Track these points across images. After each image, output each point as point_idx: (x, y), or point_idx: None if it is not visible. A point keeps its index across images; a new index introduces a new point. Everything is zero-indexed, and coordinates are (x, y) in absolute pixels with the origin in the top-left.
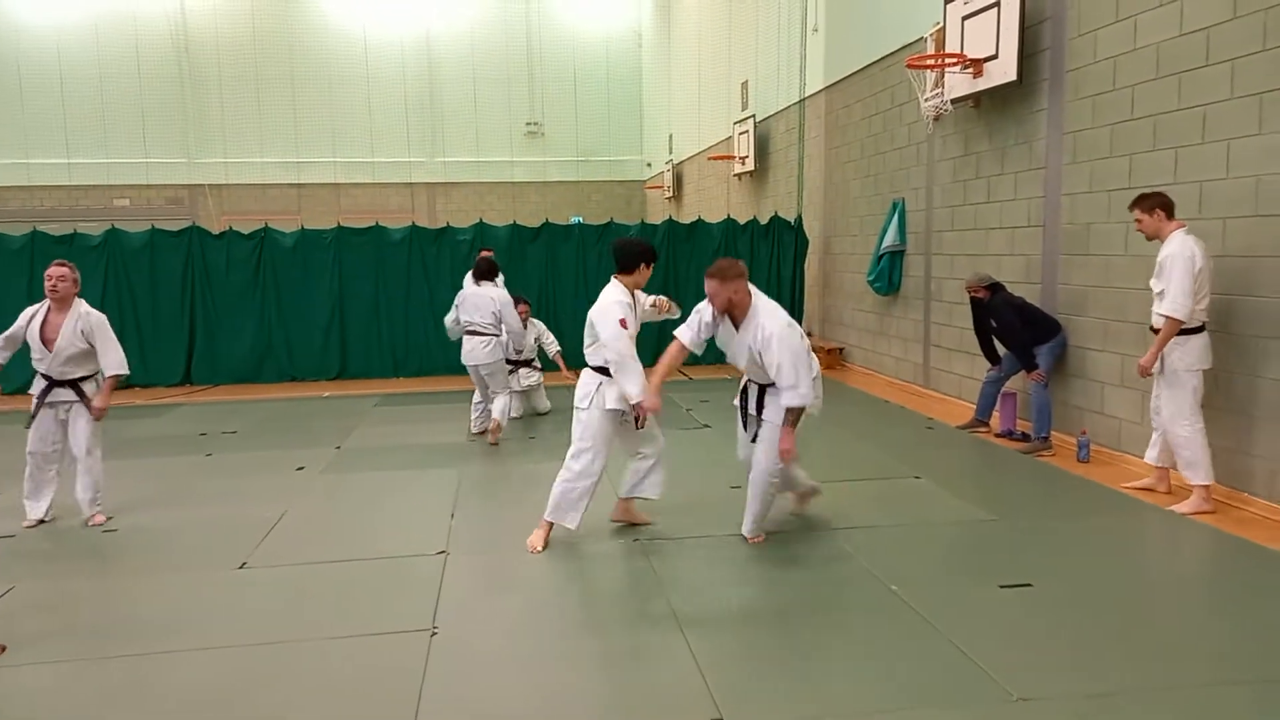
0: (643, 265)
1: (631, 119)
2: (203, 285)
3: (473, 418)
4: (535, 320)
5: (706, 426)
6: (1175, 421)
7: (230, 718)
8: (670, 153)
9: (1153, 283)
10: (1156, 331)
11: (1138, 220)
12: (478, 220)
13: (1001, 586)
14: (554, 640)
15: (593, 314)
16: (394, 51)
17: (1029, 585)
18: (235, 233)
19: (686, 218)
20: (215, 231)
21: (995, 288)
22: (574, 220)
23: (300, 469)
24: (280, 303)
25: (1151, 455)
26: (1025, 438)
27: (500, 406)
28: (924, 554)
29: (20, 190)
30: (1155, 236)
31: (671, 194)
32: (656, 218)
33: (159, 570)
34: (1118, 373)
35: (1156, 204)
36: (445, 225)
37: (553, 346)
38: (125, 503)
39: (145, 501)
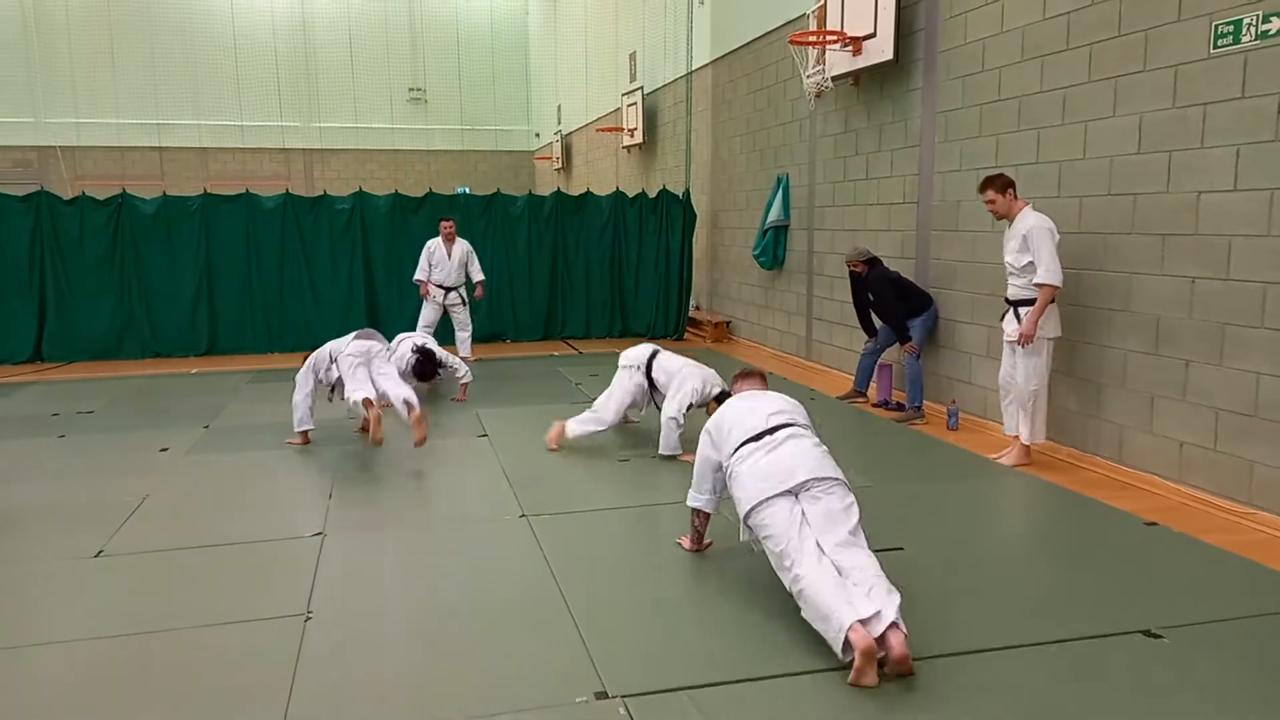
0: None
1: (519, 88)
2: (53, 255)
3: None
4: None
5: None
6: (1030, 382)
7: (90, 716)
8: (559, 123)
9: (1010, 258)
10: (1013, 303)
11: (990, 201)
12: (358, 189)
13: (876, 551)
14: (435, 619)
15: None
16: (265, 7)
17: (901, 549)
18: (89, 198)
19: (576, 189)
20: (67, 197)
21: (873, 262)
22: (460, 190)
23: (164, 450)
24: (141, 274)
25: (1010, 427)
26: (900, 407)
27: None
28: None
29: None
30: (1006, 215)
31: (561, 165)
32: (546, 189)
33: (4, 560)
34: (984, 344)
35: (1008, 184)
36: (322, 193)
37: None
38: None
39: None
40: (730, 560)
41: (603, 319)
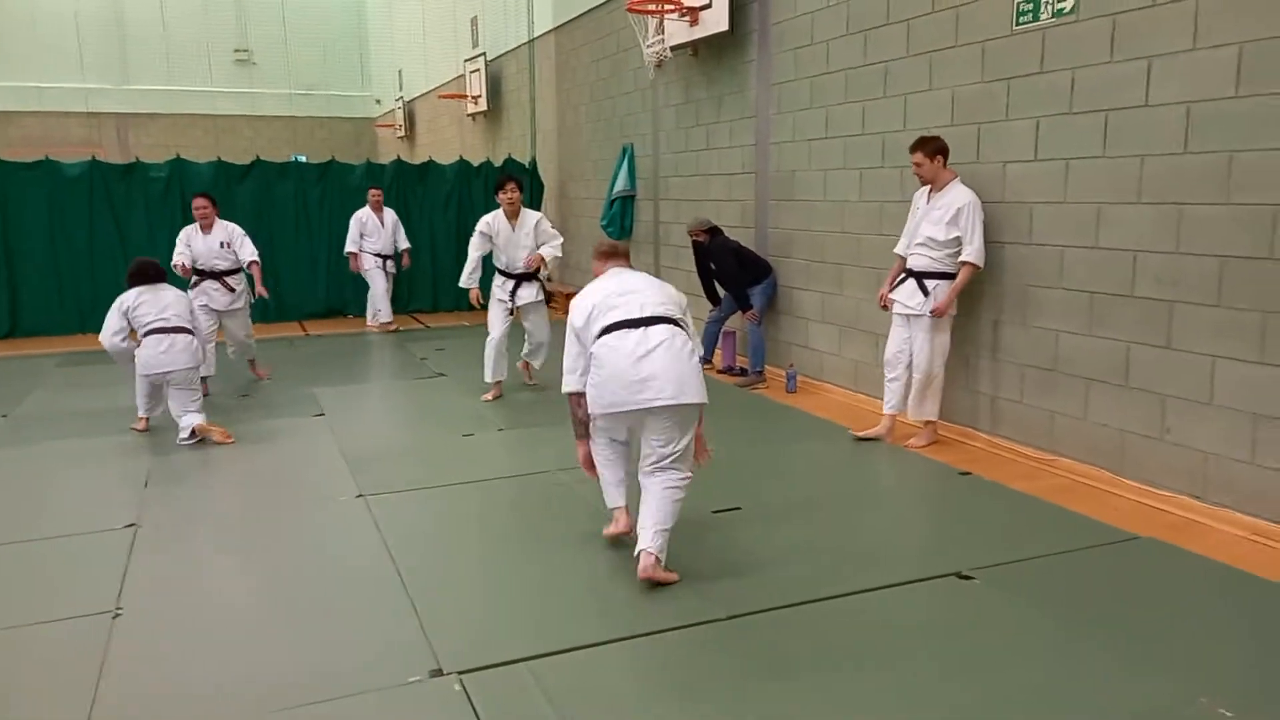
0: None
1: (355, 50)
2: None
3: None
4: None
5: (441, 375)
6: (935, 362)
7: None
8: (400, 90)
9: (932, 229)
10: (918, 274)
11: (917, 164)
12: (175, 155)
13: (714, 511)
14: (260, 609)
15: None
16: None
17: (739, 508)
18: None
19: (420, 158)
20: None
21: (714, 232)
22: (294, 158)
23: None
24: None
25: (892, 405)
26: (743, 372)
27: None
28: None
29: None
30: (931, 181)
31: (404, 133)
32: (388, 157)
33: None
34: (819, 309)
35: (940, 149)
36: (135, 160)
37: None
38: None
39: None
40: (568, 524)
41: (450, 292)
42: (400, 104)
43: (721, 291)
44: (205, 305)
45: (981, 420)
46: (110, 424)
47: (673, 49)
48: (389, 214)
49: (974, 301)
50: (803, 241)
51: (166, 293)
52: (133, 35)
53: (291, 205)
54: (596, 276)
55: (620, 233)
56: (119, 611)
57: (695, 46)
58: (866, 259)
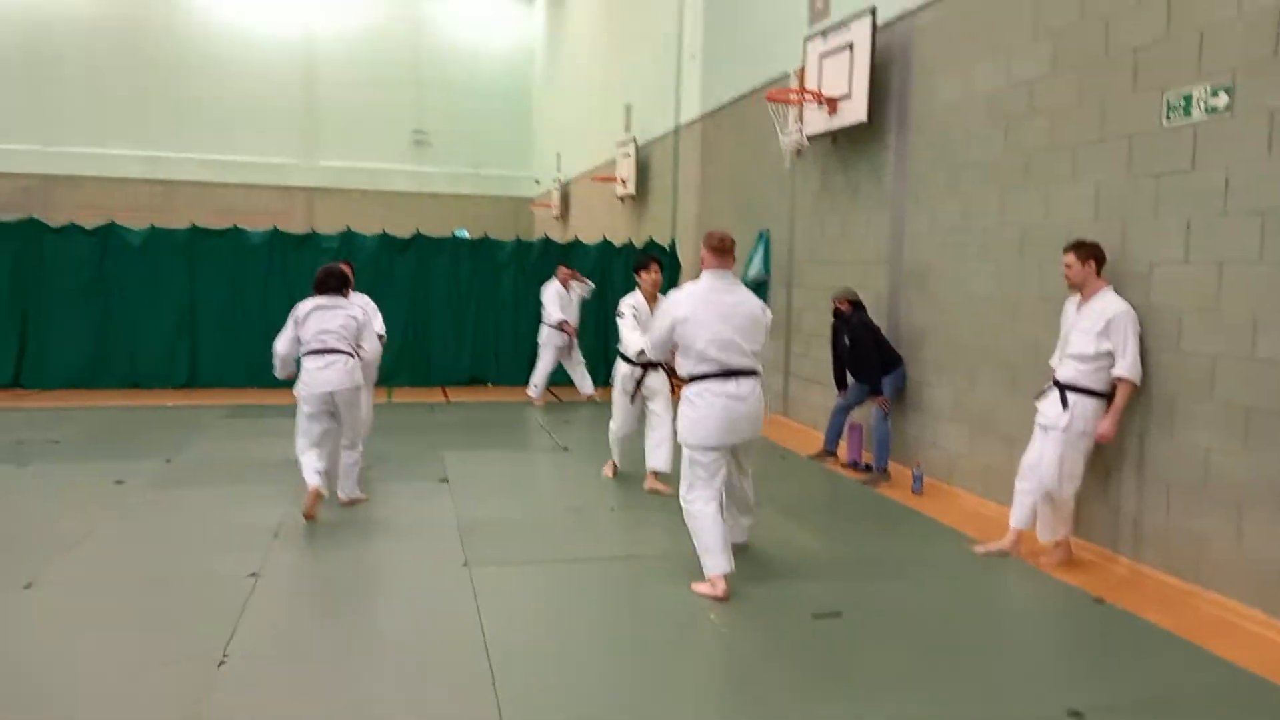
0: None
1: (522, 135)
2: (37, 282)
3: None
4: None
5: (565, 449)
6: (1062, 484)
7: None
8: (559, 171)
9: (1082, 341)
10: (1064, 386)
11: (1067, 265)
12: (345, 227)
13: (814, 616)
14: (347, 669)
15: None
16: (273, 48)
17: (839, 615)
18: (76, 227)
19: (572, 237)
20: (54, 226)
21: (858, 305)
22: (458, 232)
23: (119, 483)
24: (124, 304)
25: (1019, 518)
26: (869, 469)
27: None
28: (749, 583)
29: None
30: (1078, 287)
31: (559, 213)
32: (543, 235)
33: None
34: (950, 407)
35: (1093, 254)
36: (310, 231)
37: None
38: None
39: None
40: (660, 615)
41: (586, 368)
42: (557, 185)
43: (849, 379)
44: None
45: (1122, 542)
46: (258, 475)
47: (810, 138)
48: (575, 289)
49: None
50: (935, 335)
51: (338, 312)
52: (323, 116)
53: (445, 278)
54: (703, 266)
55: None
56: (225, 659)
57: (834, 135)
58: (1001, 355)
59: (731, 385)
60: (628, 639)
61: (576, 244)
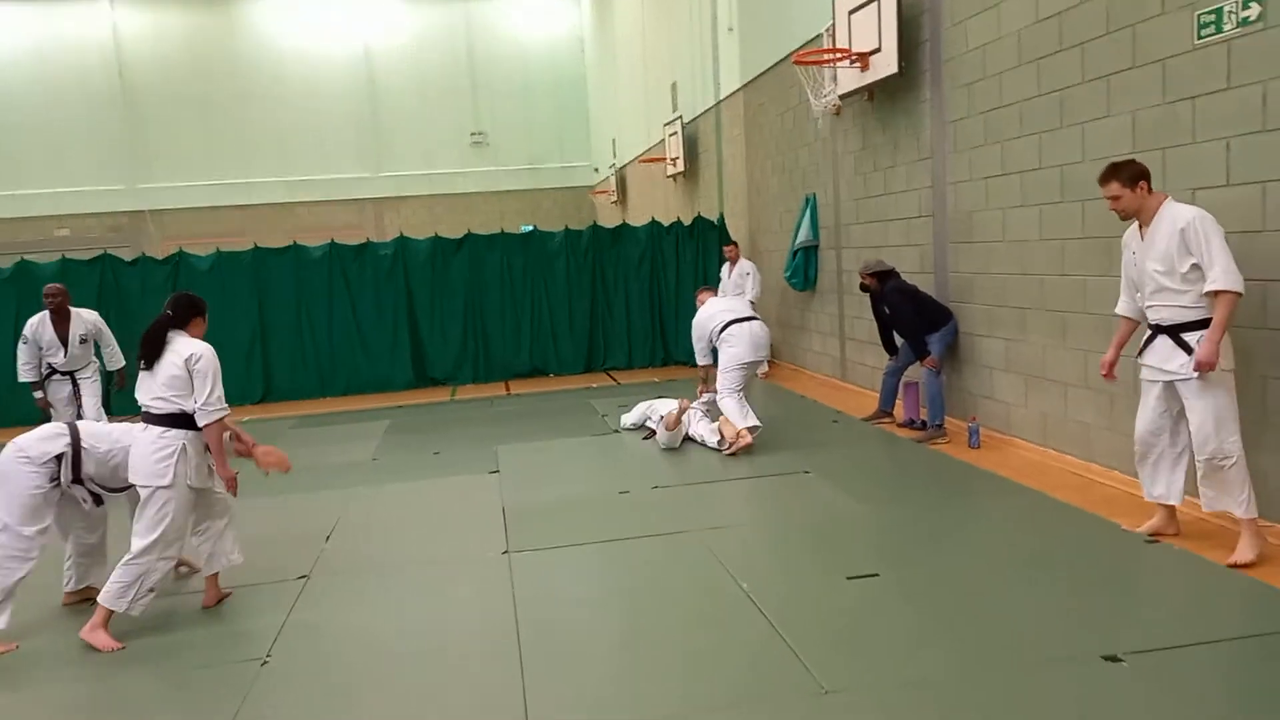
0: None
1: (578, 125)
2: (116, 313)
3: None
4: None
5: (616, 432)
6: (1223, 435)
7: None
8: (614, 157)
9: (1156, 266)
10: (1166, 329)
11: (1113, 198)
12: (399, 234)
13: (849, 578)
14: (384, 664)
15: None
16: (335, 68)
17: (876, 575)
18: (149, 259)
19: (634, 221)
20: (160, 258)
21: (886, 275)
22: (525, 228)
23: None
24: None
25: (1158, 490)
26: (924, 425)
27: None
28: (786, 549)
29: None
30: (1136, 214)
31: (617, 198)
32: (608, 223)
33: None
34: (1003, 358)
35: (1140, 174)
36: (366, 240)
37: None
38: None
39: None
40: (693, 590)
41: (644, 349)
42: (614, 170)
43: (899, 340)
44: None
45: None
46: (310, 481)
47: (844, 96)
48: (741, 265)
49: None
50: (983, 285)
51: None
52: (385, 128)
53: (498, 273)
54: (700, 303)
55: (805, 283)
56: (267, 659)
57: (870, 91)
58: (1050, 302)
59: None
60: (656, 612)
61: (624, 227)
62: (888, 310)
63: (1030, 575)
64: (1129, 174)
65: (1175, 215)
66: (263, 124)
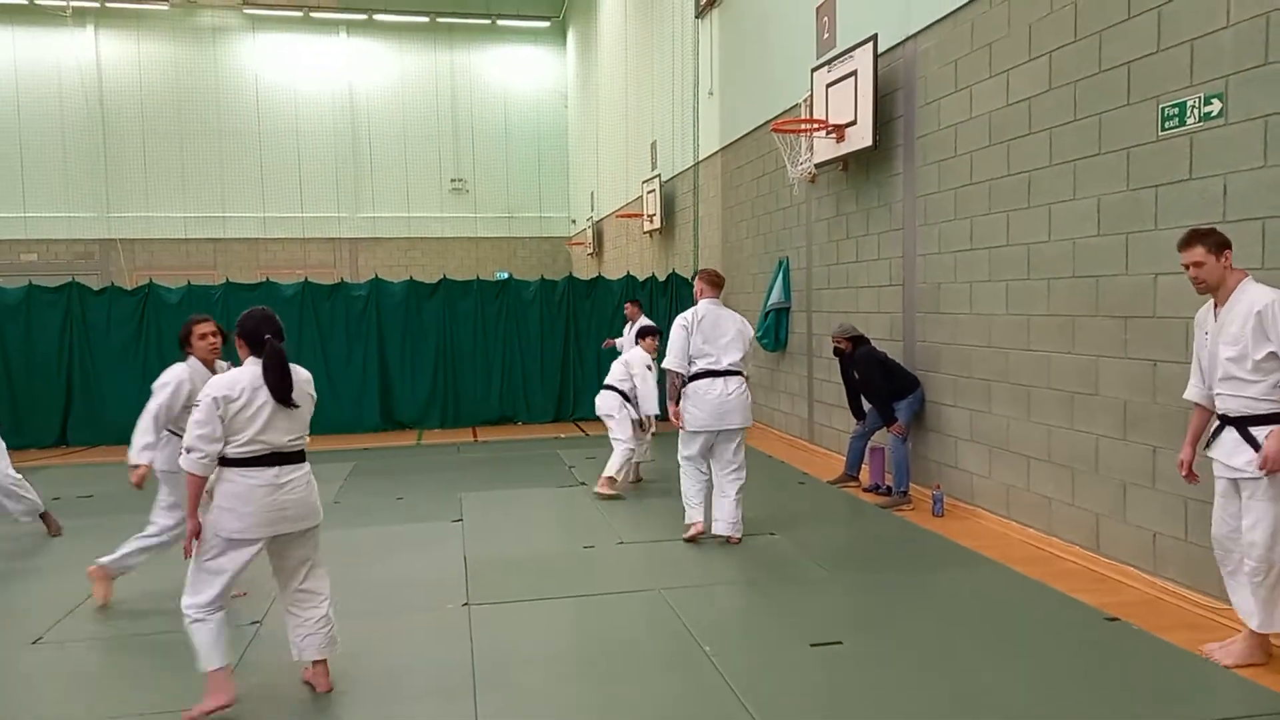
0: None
1: (557, 176)
2: (81, 343)
3: None
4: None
5: (583, 484)
6: (1276, 541)
7: None
8: (592, 210)
9: (1228, 350)
10: (1234, 421)
11: (1195, 265)
12: (373, 276)
13: (813, 645)
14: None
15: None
16: (318, 107)
17: (839, 643)
18: (117, 289)
19: (609, 274)
20: (129, 288)
21: (859, 340)
22: (500, 275)
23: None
24: (163, 361)
25: (1237, 600)
26: (889, 492)
27: None
28: (750, 613)
29: None
30: (1214, 289)
31: (593, 250)
32: (581, 274)
33: None
34: (968, 428)
35: (1221, 243)
36: (340, 280)
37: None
38: None
39: None
40: (652, 648)
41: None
42: (590, 223)
43: (866, 406)
44: None
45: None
46: None
47: (819, 165)
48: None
49: (1120, 421)
50: (950, 356)
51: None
52: (365, 170)
53: (472, 319)
54: (698, 295)
55: (775, 344)
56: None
57: (845, 161)
58: (1014, 375)
59: (720, 383)
60: (617, 674)
61: (600, 279)
62: (857, 375)
63: (994, 647)
64: (1215, 241)
65: (1254, 296)
66: (241, 158)
